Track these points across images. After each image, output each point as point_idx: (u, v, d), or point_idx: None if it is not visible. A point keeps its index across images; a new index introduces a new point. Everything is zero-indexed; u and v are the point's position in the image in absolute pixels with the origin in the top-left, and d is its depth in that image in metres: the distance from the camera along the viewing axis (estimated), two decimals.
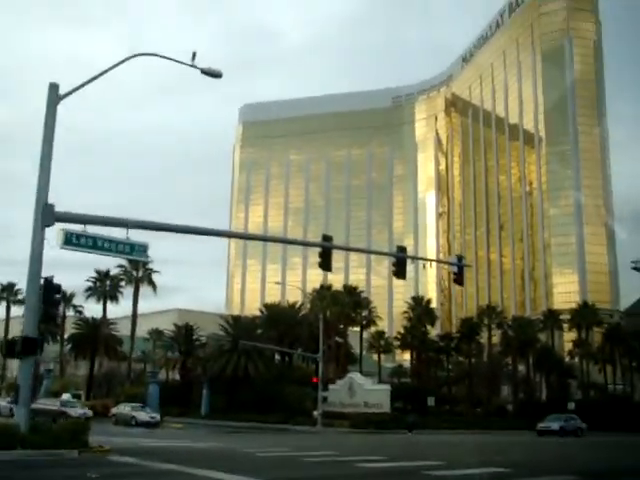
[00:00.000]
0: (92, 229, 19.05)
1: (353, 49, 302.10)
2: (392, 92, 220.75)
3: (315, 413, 56.54)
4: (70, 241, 18.35)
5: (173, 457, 21.31)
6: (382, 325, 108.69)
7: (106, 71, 19.96)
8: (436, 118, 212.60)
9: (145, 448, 25.70)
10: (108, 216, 18.88)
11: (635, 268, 29.19)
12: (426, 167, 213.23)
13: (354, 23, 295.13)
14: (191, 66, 20.70)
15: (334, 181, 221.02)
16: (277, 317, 78.16)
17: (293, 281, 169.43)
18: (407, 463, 21.63)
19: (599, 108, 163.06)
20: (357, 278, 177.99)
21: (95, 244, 18.50)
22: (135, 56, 20.76)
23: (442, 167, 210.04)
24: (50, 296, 18.88)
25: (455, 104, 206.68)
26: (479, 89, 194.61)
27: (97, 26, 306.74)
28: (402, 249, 28.18)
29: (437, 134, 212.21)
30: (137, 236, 19.94)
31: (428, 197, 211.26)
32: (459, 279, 29.28)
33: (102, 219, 18.65)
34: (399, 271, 27.11)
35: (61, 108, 19.37)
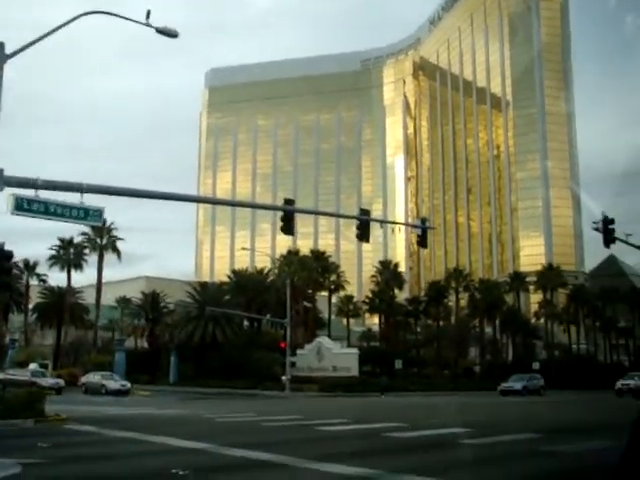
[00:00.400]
0: (45, 194, 18.49)
1: (321, 13, 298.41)
2: (360, 55, 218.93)
3: (283, 378, 56.74)
4: (21, 207, 17.73)
5: (133, 425, 21.09)
6: (351, 290, 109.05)
7: (56, 29, 19.18)
8: (404, 82, 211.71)
9: (108, 416, 25.45)
10: (60, 180, 18.29)
11: (595, 229, 29.38)
12: (394, 131, 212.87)
13: None
14: (146, 25, 20.00)
15: (302, 146, 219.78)
16: (245, 283, 78.02)
17: (262, 247, 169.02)
18: (370, 425, 21.69)
19: (565, 72, 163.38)
20: (326, 243, 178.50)
21: (47, 209, 17.90)
22: (87, 14, 19.97)
23: (410, 131, 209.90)
24: (1, 264, 18.34)
25: (423, 68, 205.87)
26: (447, 53, 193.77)
27: None
28: (365, 212, 27.96)
29: (405, 98, 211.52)
30: (101, 203, 19.45)
31: (397, 161, 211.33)
32: (423, 241, 29.15)
33: (54, 183, 18.06)
34: (362, 234, 26.92)
35: (13, 72, 18.64)
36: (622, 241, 30.17)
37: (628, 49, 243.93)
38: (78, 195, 18.94)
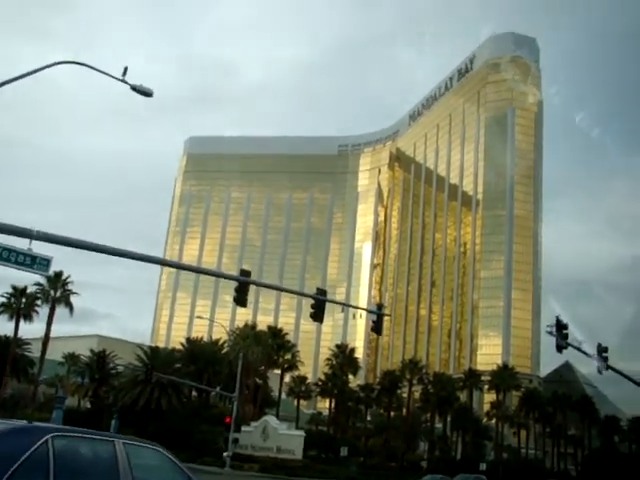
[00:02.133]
0: None
1: (306, 95, 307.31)
2: (339, 140, 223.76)
3: (225, 454, 54.97)
4: None
5: None
6: (306, 371, 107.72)
7: (31, 73, 19.19)
8: (379, 171, 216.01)
9: None
10: (9, 224, 17.89)
11: (549, 332, 29.46)
12: (365, 218, 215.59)
13: (310, 70, 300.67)
14: (122, 81, 20.14)
15: (273, 222, 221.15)
16: (198, 352, 76.66)
17: (222, 319, 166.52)
18: None
19: (536, 179, 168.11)
20: (286, 321, 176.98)
21: None
22: (63, 63, 20.09)
23: (381, 219, 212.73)
24: None
25: (399, 159, 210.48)
26: (423, 147, 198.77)
27: (48, 43, 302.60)
28: (321, 292, 27.71)
29: (379, 186, 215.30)
30: (65, 255, 19.06)
31: (365, 247, 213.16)
32: (377, 328, 28.90)
33: (2, 226, 17.64)
34: (316, 314, 26.56)
35: None
36: (574, 347, 30.23)
37: (597, 163, 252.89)
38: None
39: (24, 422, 6.85)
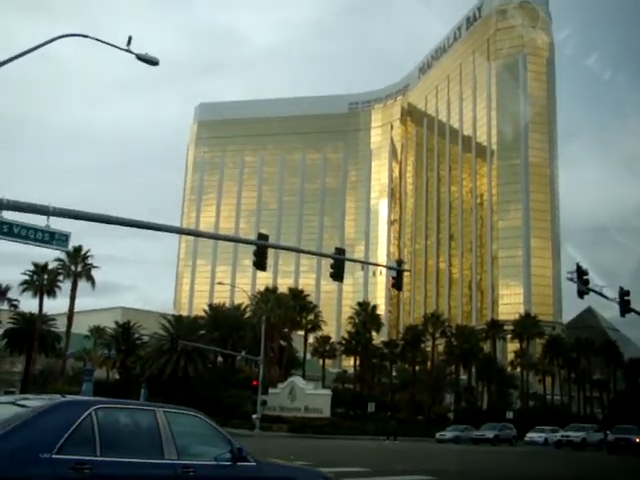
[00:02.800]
0: (11, 215, 18.16)
1: (315, 55, 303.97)
2: (349, 98, 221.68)
3: (254, 416, 55.80)
4: None
5: None
6: (329, 330, 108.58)
7: (33, 49, 19.09)
8: (391, 126, 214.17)
9: None
10: (27, 202, 17.98)
11: (570, 279, 29.38)
12: (380, 174, 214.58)
13: (317, 30, 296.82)
14: (126, 51, 19.98)
15: (288, 184, 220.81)
16: (221, 319, 77.24)
17: (243, 284, 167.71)
18: (327, 469, 21.12)
19: (550, 125, 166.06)
20: (307, 282, 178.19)
21: (11, 231, 17.54)
22: (66, 36, 19.92)
23: (395, 175, 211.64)
24: None
25: (411, 113, 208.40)
26: (435, 100, 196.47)
27: (54, 21, 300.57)
28: (340, 251, 27.73)
29: (392, 142, 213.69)
30: (83, 230, 19.15)
31: (381, 204, 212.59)
32: (398, 284, 28.88)
33: (20, 204, 17.72)
34: (336, 273, 26.63)
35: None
36: (595, 292, 30.15)
37: (611, 105, 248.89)
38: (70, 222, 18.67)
39: (58, 396, 7.02)
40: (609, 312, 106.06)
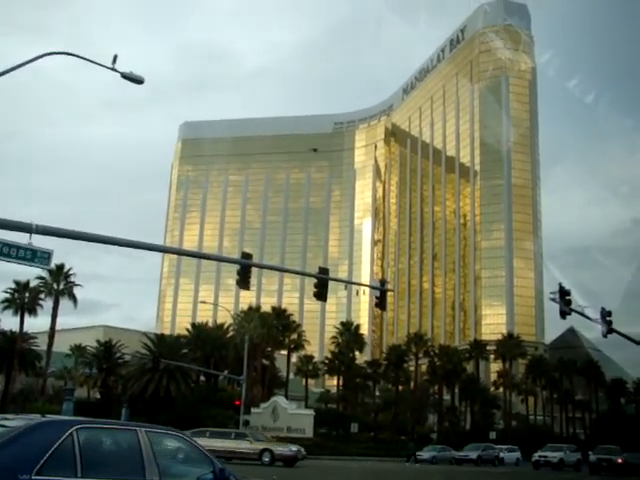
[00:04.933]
0: None
1: (301, 75, 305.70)
2: (333, 118, 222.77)
3: None
4: None
5: None
6: (312, 350, 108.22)
7: (18, 66, 19.05)
8: (375, 146, 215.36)
9: None
10: (8, 219, 17.85)
11: (553, 299, 29.53)
12: (363, 194, 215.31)
13: (303, 51, 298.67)
14: (112, 69, 20.01)
15: (272, 203, 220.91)
16: (204, 337, 76.92)
17: (226, 303, 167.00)
18: None
19: (532, 146, 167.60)
20: (290, 301, 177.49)
21: None
22: (51, 54, 19.92)
23: (379, 195, 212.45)
24: None
25: (395, 134, 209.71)
26: (418, 120, 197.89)
27: (44, 37, 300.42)
28: (324, 270, 27.76)
29: (376, 162, 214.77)
30: (66, 248, 19.00)
31: (365, 224, 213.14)
32: (381, 303, 28.93)
33: (2, 222, 17.60)
34: (320, 293, 26.63)
35: None
36: (577, 312, 30.31)
37: (593, 128, 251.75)
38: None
39: (38, 416, 6.94)
40: (591, 332, 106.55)
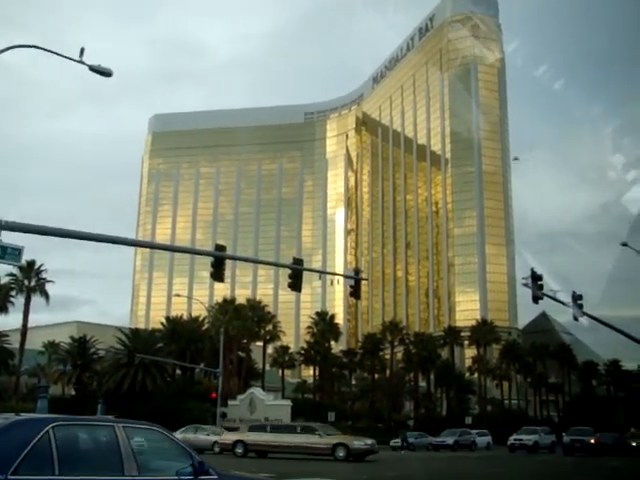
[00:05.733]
0: None
1: (272, 66, 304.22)
2: (304, 108, 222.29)
3: None
4: None
5: None
6: (288, 340, 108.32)
7: None
8: (347, 136, 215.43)
9: None
10: None
11: (525, 284, 29.87)
12: (336, 184, 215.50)
13: (273, 42, 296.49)
14: (79, 62, 19.77)
15: (244, 195, 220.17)
16: (179, 331, 76.55)
17: (200, 295, 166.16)
18: None
19: (502, 133, 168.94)
20: (265, 293, 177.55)
21: None
22: (17, 47, 19.62)
23: (351, 184, 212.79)
24: None
25: (365, 123, 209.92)
26: (389, 109, 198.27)
27: (15, 30, 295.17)
28: (298, 261, 27.75)
29: (347, 152, 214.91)
30: (36, 244, 18.76)
31: (337, 213, 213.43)
32: (356, 292, 29.04)
33: None
34: (294, 283, 26.64)
35: None
36: (549, 297, 30.70)
37: (562, 114, 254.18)
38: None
39: (12, 415, 6.87)
40: (563, 316, 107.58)
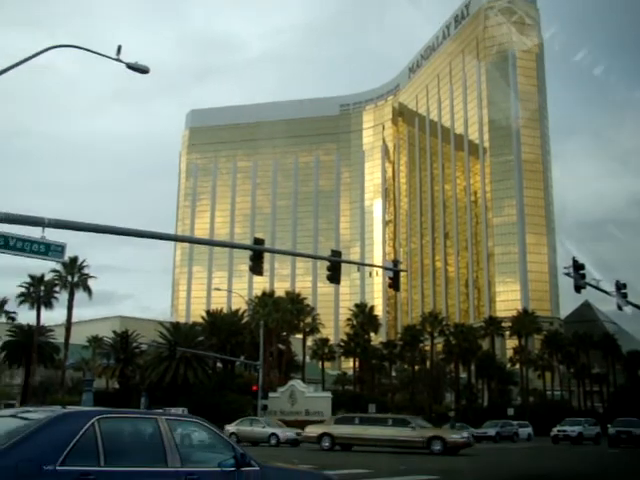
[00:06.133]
0: (6, 228, 18.15)
1: (306, 59, 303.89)
2: (339, 100, 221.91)
3: None
4: None
5: None
6: (328, 333, 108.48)
7: (23, 61, 19.07)
8: (383, 127, 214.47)
9: None
10: (21, 214, 17.97)
11: (567, 274, 29.43)
12: (373, 175, 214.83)
13: (307, 34, 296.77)
14: (116, 60, 19.98)
15: (281, 188, 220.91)
16: (219, 324, 77.13)
17: (239, 289, 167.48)
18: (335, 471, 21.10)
19: (542, 121, 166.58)
20: (303, 285, 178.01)
21: (7, 243, 17.51)
22: (56, 47, 19.93)
23: (389, 175, 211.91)
24: None
25: (402, 113, 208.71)
26: (425, 99, 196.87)
27: (47, 32, 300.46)
28: (336, 253, 27.72)
29: (384, 142, 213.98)
30: (81, 241, 19.07)
31: (375, 205, 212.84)
32: (395, 284, 28.90)
33: (14, 217, 17.72)
34: (333, 276, 26.60)
35: None
36: (592, 286, 30.22)
37: (603, 100, 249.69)
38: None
39: (59, 407, 7.02)
40: (607, 306, 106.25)
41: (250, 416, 50.83)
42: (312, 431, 36.24)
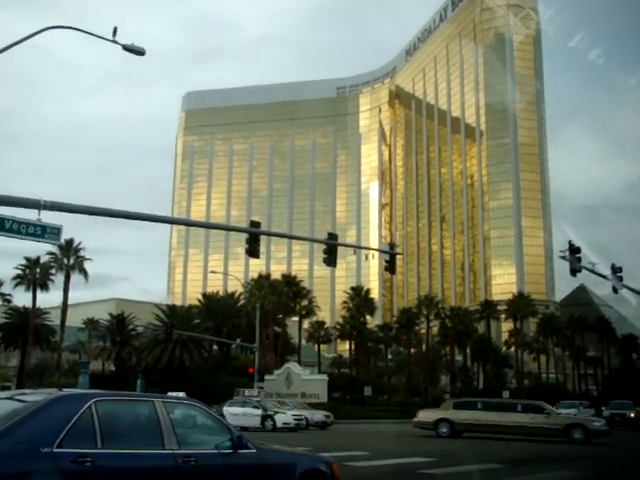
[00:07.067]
0: (2, 210, 18.04)
1: (303, 42, 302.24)
2: (336, 83, 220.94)
3: None
4: None
5: None
6: (324, 315, 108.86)
7: (18, 42, 18.91)
8: (380, 110, 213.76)
9: None
10: (17, 196, 17.88)
11: (562, 257, 29.46)
12: (369, 158, 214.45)
13: (304, 17, 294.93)
14: (112, 41, 19.81)
15: (277, 170, 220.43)
16: (215, 307, 77.26)
17: (236, 271, 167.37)
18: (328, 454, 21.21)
19: (538, 104, 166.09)
20: (300, 268, 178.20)
21: (2, 225, 17.45)
22: (51, 28, 19.74)
23: (385, 158, 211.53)
24: None
25: (399, 96, 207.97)
26: (422, 82, 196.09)
27: (44, 10, 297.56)
28: (332, 236, 27.67)
29: (381, 125, 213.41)
30: (76, 223, 19.00)
31: (371, 188, 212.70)
32: (391, 267, 28.88)
33: (9, 199, 17.63)
34: (329, 259, 26.58)
35: None
36: (588, 269, 30.24)
37: (600, 84, 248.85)
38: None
39: (55, 390, 7.02)
40: (602, 289, 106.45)
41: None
42: (427, 416, 33.19)
